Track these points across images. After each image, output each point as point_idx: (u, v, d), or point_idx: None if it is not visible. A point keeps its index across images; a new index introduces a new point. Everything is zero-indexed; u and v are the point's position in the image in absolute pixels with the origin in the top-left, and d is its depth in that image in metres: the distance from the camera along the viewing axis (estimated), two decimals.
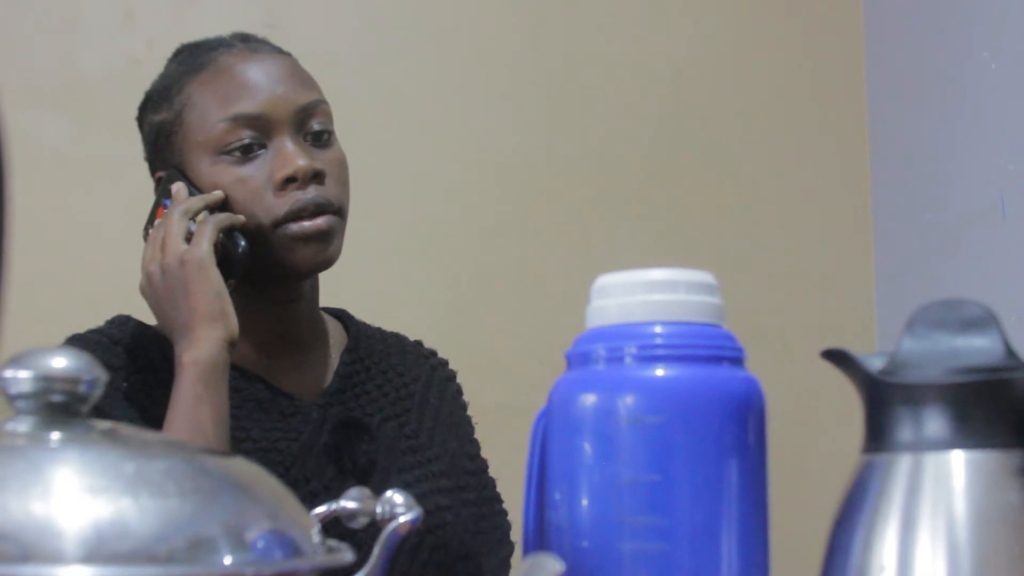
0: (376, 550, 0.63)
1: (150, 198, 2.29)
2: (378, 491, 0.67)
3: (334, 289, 2.27)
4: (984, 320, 0.69)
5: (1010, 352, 0.68)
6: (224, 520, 0.57)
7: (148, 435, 0.66)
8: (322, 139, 1.35)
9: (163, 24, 2.26)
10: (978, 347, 0.68)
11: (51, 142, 2.19)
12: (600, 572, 0.68)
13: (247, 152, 1.29)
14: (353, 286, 2.26)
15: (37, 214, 2.17)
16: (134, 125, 2.22)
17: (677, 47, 2.47)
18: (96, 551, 0.53)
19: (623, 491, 0.68)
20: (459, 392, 1.49)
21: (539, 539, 0.74)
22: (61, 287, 2.17)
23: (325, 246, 1.31)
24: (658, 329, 0.71)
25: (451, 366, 1.52)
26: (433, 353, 1.51)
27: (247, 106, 1.30)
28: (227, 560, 0.56)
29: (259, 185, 1.28)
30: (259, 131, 1.30)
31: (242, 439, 1.25)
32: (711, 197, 2.43)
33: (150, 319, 1.40)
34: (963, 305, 0.70)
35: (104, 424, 0.62)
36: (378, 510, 0.66)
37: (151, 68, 2.25)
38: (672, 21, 2.48)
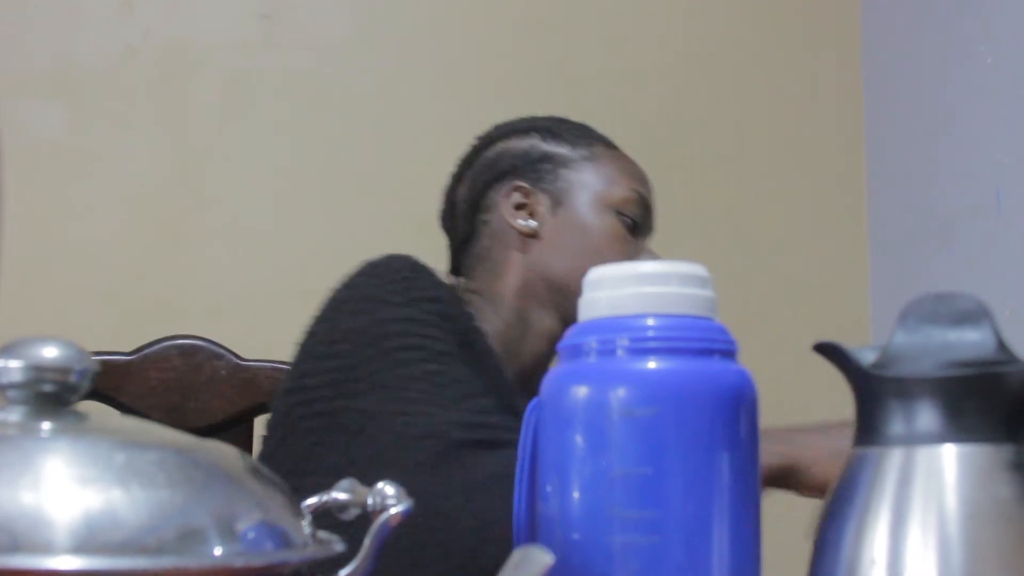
0: (367, 541, 0.63)
1: (146, 188, 2.29)
2: None
3: (329, 278, 2.27)
4: (976, 314, 0.69)
5: (1002, 346, 0.68)
6: (214, 511, 0.57)
7: (139, 425, 0.66)
8: None
9: (160, 13, 2.25)
10: (970, 341, 0.68)
11: (47, 131, 2.19)
12: (591, 565, 0.68)
13: (633, 227, 1.51)
14: None
15: (32, 203, 2.17)
16: (131, 114, 2.22)
17: (673, 39, 2.47)
18: (86, 542, 0.53)
19: (614, 484, 0.68)
20: None
21: (530, 531, 0.74)
22: (56, 276, 2.17)
23: None
24: (650, 322, 0.70)
25: None
26: None
27: (649, 198, 1.54)
28: (217, 551, 0.56)
29: (632, 255, 1.49)
30: (643, 219, 1.52)
31: None
32: (705, 189, 2.43)
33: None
34: (956, 299, 0.70)
35: (94, 414, 0.62)
36: (369, 501, 0.65)
37: (148, 57, 2.25)
38: (668, 14, 2.48)
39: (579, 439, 0.70)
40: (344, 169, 2.30)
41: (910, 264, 2.42)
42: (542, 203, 1.52)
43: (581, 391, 0.70)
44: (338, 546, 0.63)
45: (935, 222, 2.33)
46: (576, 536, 0.69)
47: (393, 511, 0.64)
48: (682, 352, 0.70)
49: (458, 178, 1.63)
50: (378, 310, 1.31)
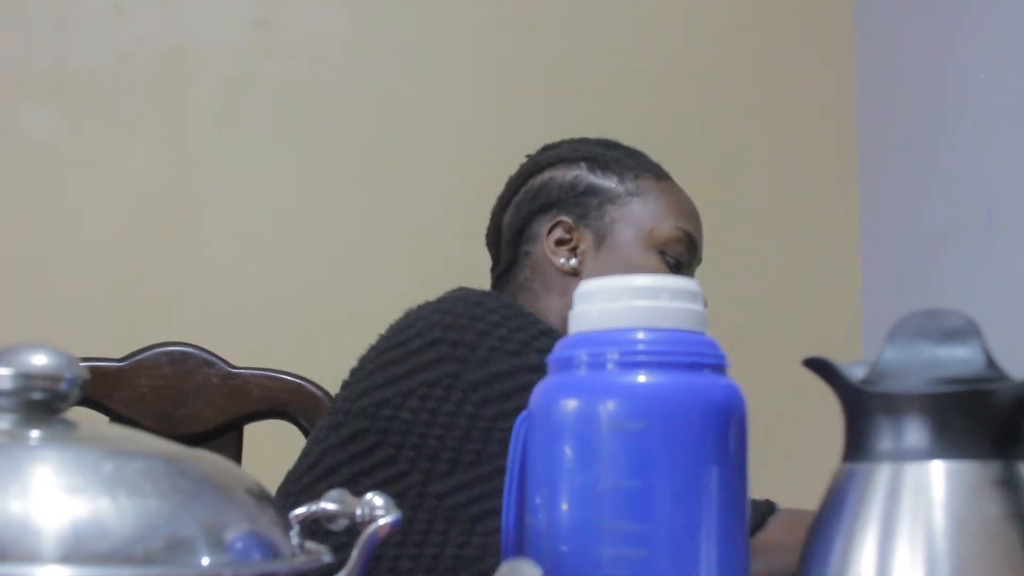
0: (355, 552, 0.63)
1: (140, 194, 2.29)
2: None
3: (322, 286, 2.27)
4: (966, 330, 0.69)
5: (991, 363, 0.68)
6: (202, 521, 0.57)
7: (128, 433, 0.66)
8: None
9: (153, 20, 2.25)
10: (959, 357, 0.68)
11: (40, 136, 2.19)
12: None
13: (677, 265, 1.50)
14: (343, 284, 2.27)
15: (25, 207, 2.17)
16: (123, 120, 2.22)
17: (664, 50, 2.47)
18: (74, 551, 0.53)
19: (603, 496, 0.68)
20: None
21: (518, 543, 0.74)
22: (49, 281, 2.16)
23: None
24: (640, 335, 0.70)
25: None
26: None
27: (696, 233, 1.54)
28: (205, 561, 0.56)
29: None
30: (689, 256, 1.52)
31: None
32: (696, 201, 2.44)
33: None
34: (945, 315, 0.70)
35: (84, 422, 0.62)
36: (358, 512, 0.66)
37: (141, 63, 2.25)
38: (660, 25, 2.48)
39: (568, 451, 0.70)
40: (339, 176, 2.31)
41: (901, 277, 2.42)
42: (585, 240, 1.51)
43: (571, 404, 0.70)
44: (326, 557, 0.63)
45: (927, 235, 2.34)
46: (564, 548, 0.69)
47: (382, 522, 0.64)
48: (672, 366, 0.70)
49: (504, 202, 1.61)
50: (494, 360, 1.29)
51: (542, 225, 1.53)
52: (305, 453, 1.37)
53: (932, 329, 0.70)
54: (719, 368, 0.72)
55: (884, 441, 0.68)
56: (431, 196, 2.32)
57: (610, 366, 0.70)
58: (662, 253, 1.49)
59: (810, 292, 2.48)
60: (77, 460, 0.57)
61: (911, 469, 0.67)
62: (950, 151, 2.29)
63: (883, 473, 0.68)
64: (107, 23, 2.23)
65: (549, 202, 1.54)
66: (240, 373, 1.63)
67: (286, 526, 0.62)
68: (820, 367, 0.71)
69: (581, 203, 1.52)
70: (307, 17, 2.33)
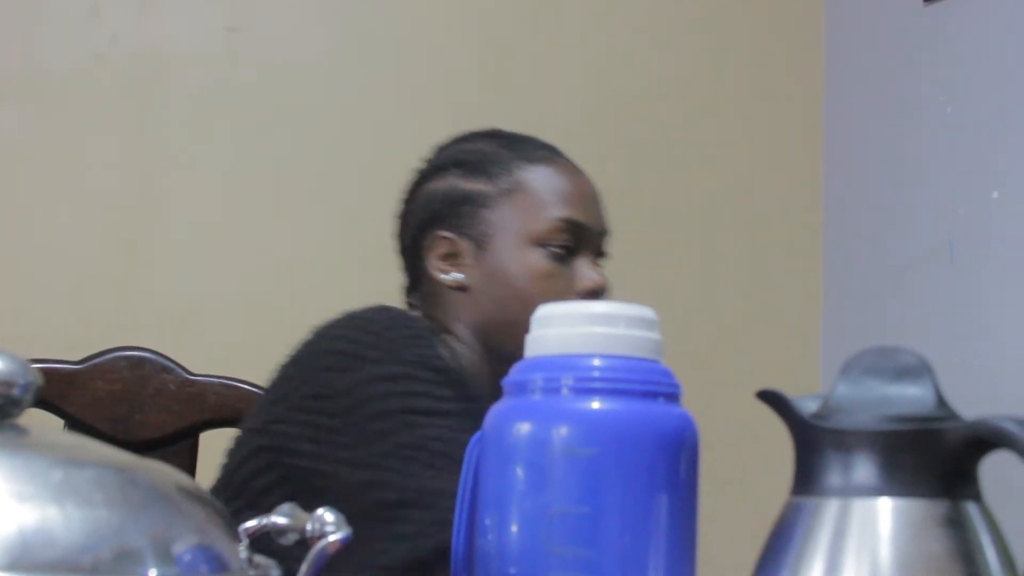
0: (304, 568, 0.63)
1: (105, 196, 2.27)
2: None
3: (285, 294, 2.26)
4: (918, 369, 0.70)
5: (941, 402, 0.69)
6: (151, 532, 0.57)
7: (79, 441, 0.65)
8: (601, 262, 1.51)
9: (128, 21, 2.25)
10: (910, 396, 0.69)
11: (9, 135, 2.18)
12: None
13: (562, 254, 1.44)
14: (304, 293, 2.26)
15: None
16: (95, 121, 2.21)
17: (626, 80, 2.48)
18: (19, 559, 0.53)
19: (553, 521, 0.68)
20: None
21: (468, 564, 0.74)
22: (8, 281, 2.15)
23: None
24: (596, 362, 0.71)
25: None
26: None
27: (579, 215, 1.46)
28: (152, 573, 0.56)
29: (563, 286, 1.43)
30: (577, 240, 1.45)
31: None
32: (658, 230, 2.44)
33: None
34: (898, 353, 0.71)
35: (35, 429, 0.62)
36: (308, 527, 0.66)
37: (114, 64, 2.24)
38: (622, 55, 2.49)
39: (520, 475, 0.70)
40: (303, 185, 2.30)
41: (862, 311, 2.44)
42: (466, 251, 1.47)
43: (524, 427, 0.71)
44: (274, 571, 0.63)
45: (888, 270, 2.36)
46: (513, 571, 0.69)
47: (332, 538, 0.64)
48: (626, 394, 0.70)
49: (401, 220, 1.59)
50: (360, 367, 1.30)
51: (427, 241, 1.51)
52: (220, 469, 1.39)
53: (884, 367, 0.70)
54: (673, 397, 0.73)
55: (833, 476, 0.69)
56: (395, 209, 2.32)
57: (564, 391, 0.71)
58: (545, 246, 1.44)
59: (770, 323, 2.49)
60: (27, 467, 0.57)
61: (859, 505, 0.68)
62: (914, 186, 2.31)
63: (831, 508, 0.68)
64: (81, 23, 2.22)
65: (430, 217, 1.51)
66: (197, 380, 1.63)
67: (235, 539, 0.62)
68: (772, 400, 0.72)
69: (457, 213, 1.48)
70: (279, 25, 2.33)
